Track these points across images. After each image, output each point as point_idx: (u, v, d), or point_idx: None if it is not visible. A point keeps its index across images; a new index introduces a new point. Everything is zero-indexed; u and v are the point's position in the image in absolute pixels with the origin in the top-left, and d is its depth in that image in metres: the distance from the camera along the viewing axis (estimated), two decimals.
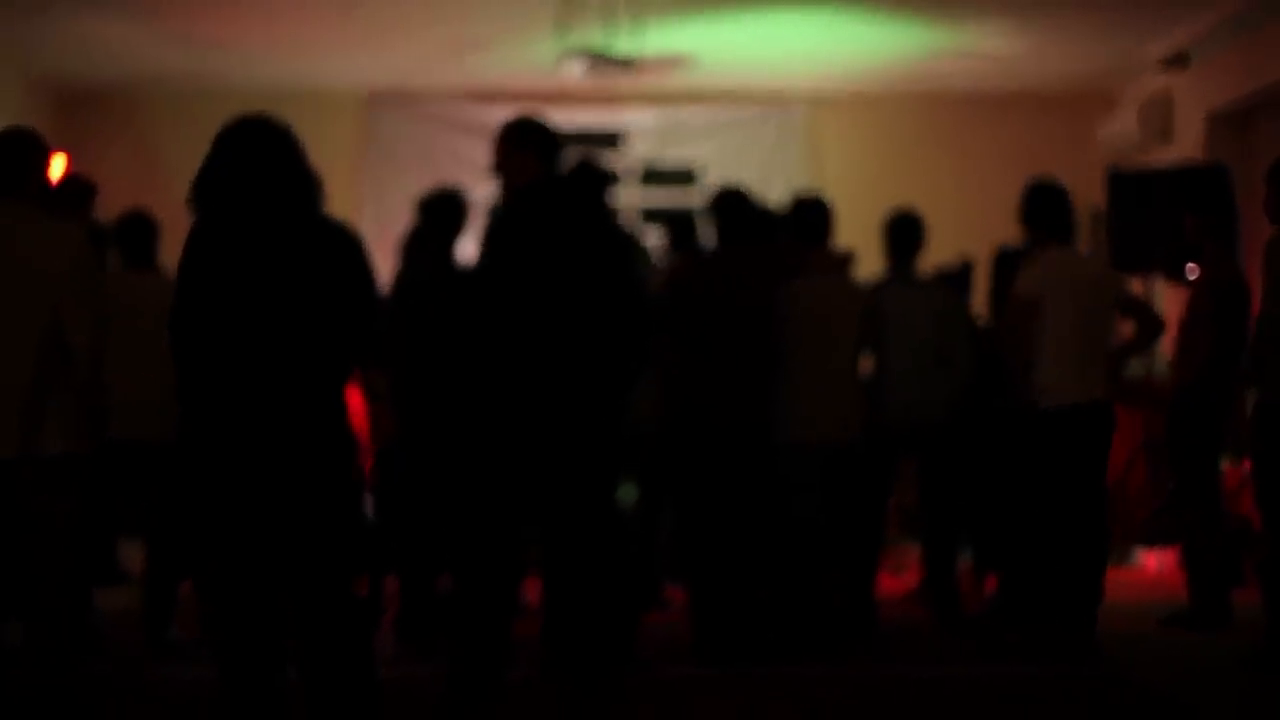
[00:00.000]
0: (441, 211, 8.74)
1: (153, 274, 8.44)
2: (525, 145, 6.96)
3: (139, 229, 8.50)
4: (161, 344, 5.91)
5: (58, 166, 9.48)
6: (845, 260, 8.96)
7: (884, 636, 8.72)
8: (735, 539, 8.22)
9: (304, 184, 5.82)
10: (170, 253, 8.28)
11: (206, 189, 5.80)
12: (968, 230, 11.25)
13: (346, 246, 5.87)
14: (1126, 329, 8.89)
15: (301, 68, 13.87)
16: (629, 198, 14.27)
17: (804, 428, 8.36)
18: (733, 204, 8.45)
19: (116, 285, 8.15)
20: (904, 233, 9.05)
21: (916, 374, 8.79)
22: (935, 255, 9.55)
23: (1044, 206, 8.62)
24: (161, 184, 11.01)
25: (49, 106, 14.13)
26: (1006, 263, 9.17)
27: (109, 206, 9.34)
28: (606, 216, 7.18)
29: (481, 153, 7.68)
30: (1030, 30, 12.81)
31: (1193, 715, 7.26)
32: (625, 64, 12.32)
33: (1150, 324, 8.68)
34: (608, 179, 8.12)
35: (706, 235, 8.69)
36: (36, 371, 6.33)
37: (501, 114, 7.39)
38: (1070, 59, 13.70)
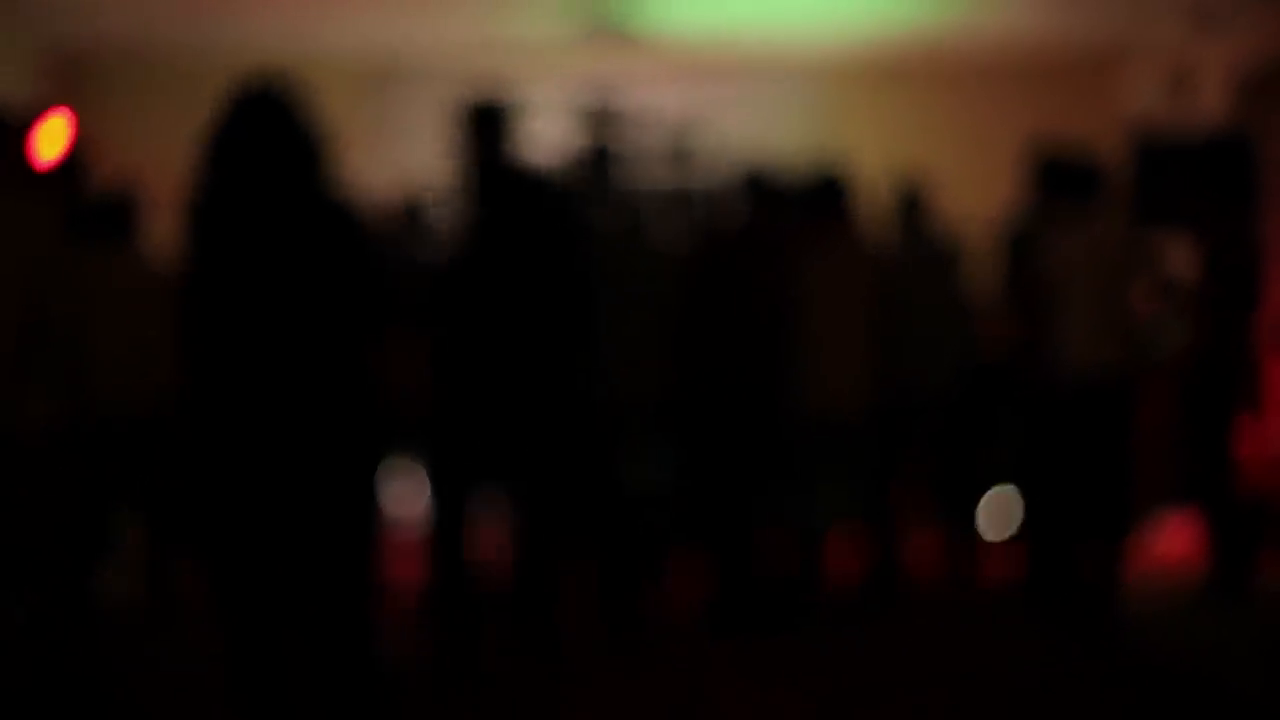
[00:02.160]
0: None
1: (130, 251, 8.37)
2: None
3: (115, 207, 8.43)
4: (143, 320, 5.88)
5: (64, 133, 9.37)
6: (858, 233, 8.92)
7: (904, 612, 8.69)
8: (748, 510, 8.24)
9: (305, 159, 5.73)
10: (165, 220, 8.26)
11: (209, 164, 5.73)
12: (989, 198, 11.15)
13: (341, 227, 5.78)
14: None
15: (303, 35, 13.76)
16: (645, 176, 14.14)
17: (814, 400, 8.36)
18: (759, 184, 8.50)
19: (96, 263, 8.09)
20: (911, 201, 9.06)
21: (924, 345, 8.77)
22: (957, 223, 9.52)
23: (1055, 175, 8.59)
24: (158, 151, 10.93)
25: (49, 72, 14.02)
26: (1022, 243, 9.10)
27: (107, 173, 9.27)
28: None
29: None
30: None
31: (1214, 691, 7.17)
32: (637, 38, 12.28)
33: (1171, 289, 8.68)
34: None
35: (726, 212, 8.72)
36: (17, 350, 6.24)
37: (513, 90, 7.42)
38: (1090, 18, 13.58)
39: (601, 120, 8.85)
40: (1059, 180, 8.60)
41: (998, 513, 9.83)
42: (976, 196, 11.12)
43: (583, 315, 7.32)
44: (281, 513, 5.71)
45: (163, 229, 8.51)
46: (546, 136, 9.18)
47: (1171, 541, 11.39)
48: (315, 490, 5.71)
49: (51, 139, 9.06)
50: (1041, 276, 8.49)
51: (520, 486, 7.29)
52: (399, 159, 14.18)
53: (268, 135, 5.68)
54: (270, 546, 5.74)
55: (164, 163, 8.18)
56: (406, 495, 8.41)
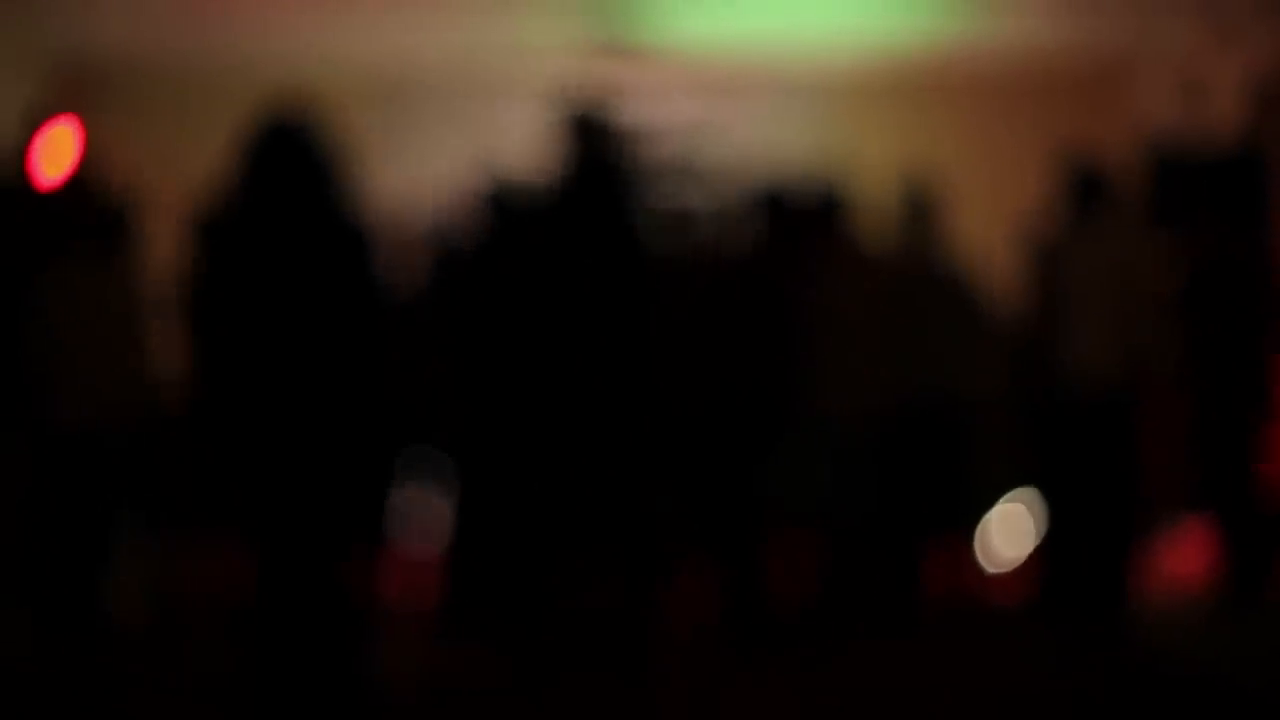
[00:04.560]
0: None
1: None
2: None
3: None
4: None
5: (70, 144, 9.37)
6: (868, 245, 8.96)
7: (917, 624, 8.64)
8: (760, 518, 8.30)
9: (326, 186, 5.79)
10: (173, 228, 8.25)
11: (230, 195, 5.89)
12: (1004, 208, 11.16)
13: (357, 250, 5.89)
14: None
15: (310, 46, 13.73)
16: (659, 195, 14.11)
17: (829, 408, 8.40)
18: (772, 202, 8.63)
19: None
20: (920, 210, 9.04)
21: (938, 354, 8.75)
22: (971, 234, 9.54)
23: (1073, 187, 8.59)
24: (168, 162, 10.92)
25: (59, 83, 14.00)
26: (1041, 254, 9.13)
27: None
28: None
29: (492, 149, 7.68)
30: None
31: (1232, 703, 7.11)
32: (645, 50, 12.28)
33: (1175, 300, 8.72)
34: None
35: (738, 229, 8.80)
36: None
37: (520, 109, 7.40)
38: (1102, 29, 13.56)
39: (602, 134, 8.88)
40: (1076, 192, 8.66)
41: (1014, 530, 9.80)
42: (991, 207, 11.12)
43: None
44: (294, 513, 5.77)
45: (171, 237, 8.52)
46: (549, 146, 9.23)
47: (1188, 552, 11.36)
48: (326, 494, 5.76)
49: (58, 150, 9.04)
50: (1053, 286, 8.49)
51: (544, 498, 7.29)
52: (407, 170, 14.14)
53: (290, 163, 5.78)
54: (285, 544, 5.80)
55: (172, 173, 8.20)
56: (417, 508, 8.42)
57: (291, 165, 5.81)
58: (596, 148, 8.26)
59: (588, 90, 13.52)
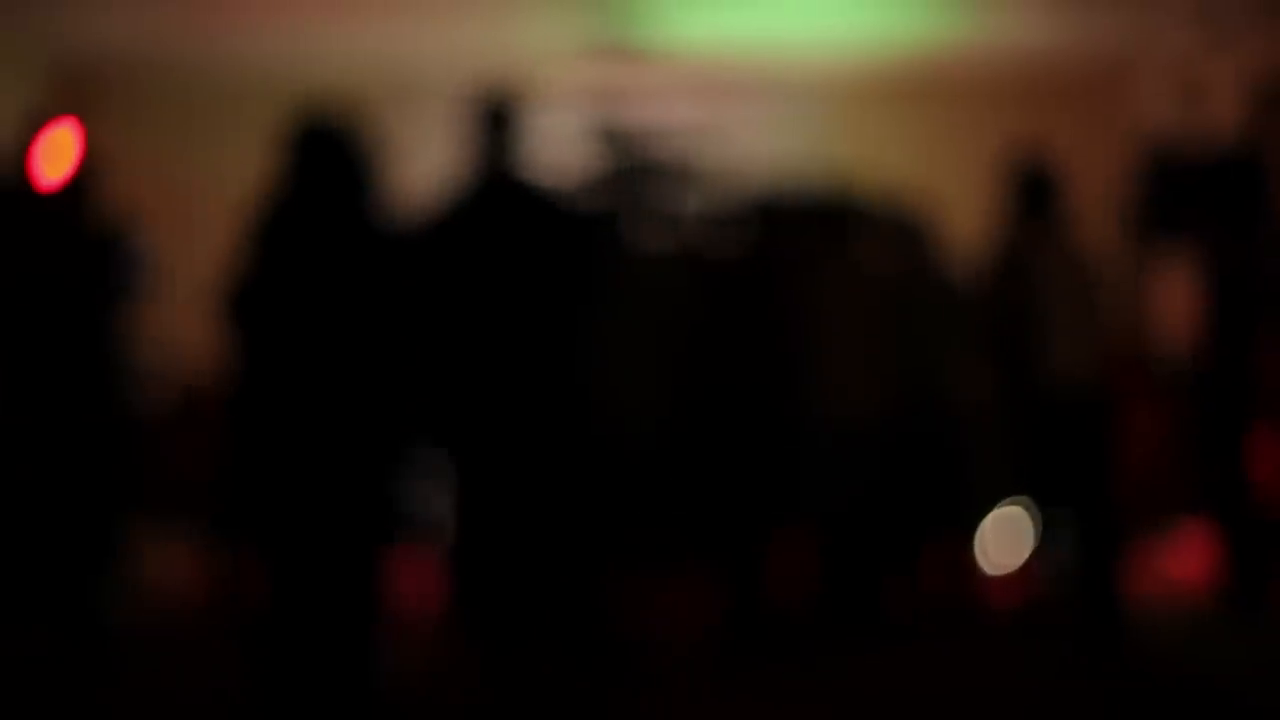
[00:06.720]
0: None
1: None
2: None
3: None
4: None
5: (71, 147, 9.36)
6: (864, 250, 8.98)
7: (920, 634, 8.66)
8: (759, 522, 8.34)
9: (355, 194, 5.83)
10: (170, 230, 8.27)
11: (270, 198, 5.98)
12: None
13: (387, 254, 5.98)
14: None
15: (312, 49, 13.74)
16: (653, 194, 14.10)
17: (827, 413, 8.42)
18: (766, 208, 8.71)
19: None
20: (914, 211, 9.18)
21: (926, 356, 8.81)
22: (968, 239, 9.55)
23: (1020, 191, 8.79)
24: (170, 165, 10.94)
25: (61, 86, 14.01)
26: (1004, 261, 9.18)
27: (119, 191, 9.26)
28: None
29: None
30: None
31: (1230, 711, 7.10)
32: (646, 53, 12.29)
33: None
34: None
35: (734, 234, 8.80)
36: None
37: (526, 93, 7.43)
38: (1101, 32, 13.57)
39: (616, 138, 8.88)
40: (1031, 196, 8.70)
41: (1013, 533, 9.80)
42: (989, 210, 11.12)
43: (580, 334, 7.29)
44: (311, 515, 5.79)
45: (173, 241, 8.54)
46: (554, 150, 9.29)
47: (1187, 555, 11.36)
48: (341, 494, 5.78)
49: (59, 152, 9.04)
50: (1023, 291, 8.58)
51: (516, 510, 7.28)
52: (407, 170, 14.10)
53: (327, 168, 5.81)
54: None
55: (174, 175, 8.21)
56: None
57: (334, 169, 5.84)
58: (596, 151, 8.30)
59: (590, 93, 13.59)
